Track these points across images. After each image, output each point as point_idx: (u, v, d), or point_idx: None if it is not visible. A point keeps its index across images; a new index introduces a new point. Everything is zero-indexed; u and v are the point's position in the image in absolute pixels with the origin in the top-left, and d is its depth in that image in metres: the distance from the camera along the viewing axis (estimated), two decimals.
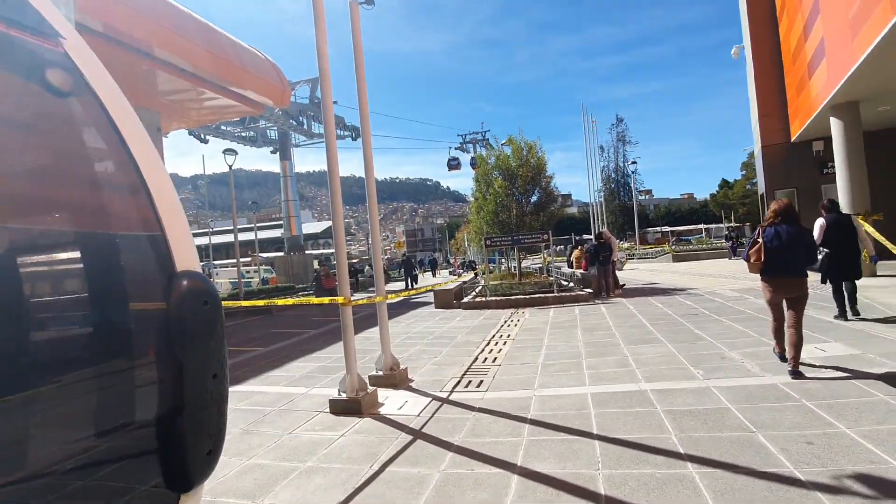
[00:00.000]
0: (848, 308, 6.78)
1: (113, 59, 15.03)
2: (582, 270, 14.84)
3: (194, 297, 1.30)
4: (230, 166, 17.52)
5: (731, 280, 13.44)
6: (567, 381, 5.11)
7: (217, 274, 30.10)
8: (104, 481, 1.15)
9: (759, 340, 5.98)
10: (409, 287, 22.00)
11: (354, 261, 41.54)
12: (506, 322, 9.41)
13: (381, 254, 6.05)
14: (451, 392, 5.11)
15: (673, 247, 30.89)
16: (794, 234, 4.69)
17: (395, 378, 5.51)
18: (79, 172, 1.22)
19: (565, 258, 25.48)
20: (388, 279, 30.14)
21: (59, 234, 1.15)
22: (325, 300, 5.61)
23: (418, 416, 4.44)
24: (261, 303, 5.94)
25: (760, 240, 4.84)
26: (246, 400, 5.46)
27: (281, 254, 32.24)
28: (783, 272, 4.73)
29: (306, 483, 3.27)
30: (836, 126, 11.09)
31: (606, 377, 5.08)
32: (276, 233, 42.38)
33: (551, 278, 13.43)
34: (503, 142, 15.67)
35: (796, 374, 4.42)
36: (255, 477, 3.45)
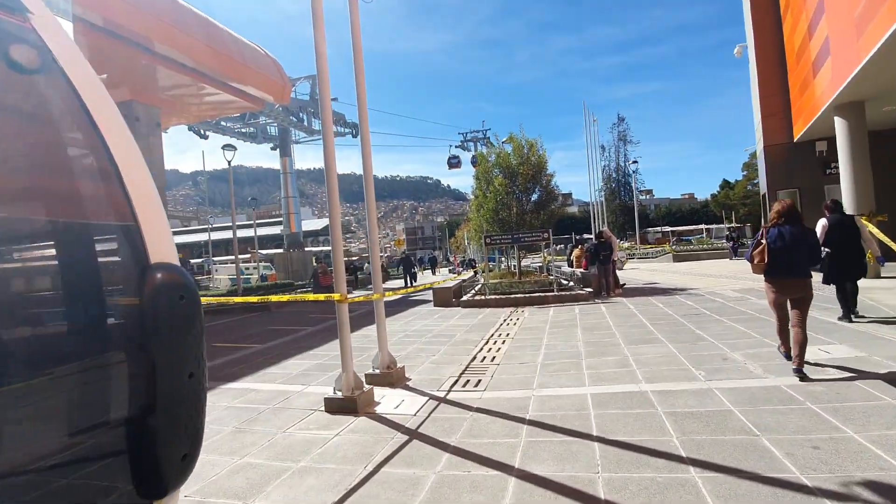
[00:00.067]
0: (847, 314, 6.73)
1: (113, 54, 14.93)
2: (582, 269, 14.76)
3: (169, 291, 1.22)
4: (229, 162, 17.42)
5: (733, 280, 13.36)
6: (566, 381, 5.02)
7: (216, 270, 30.06)
8: (68, 489, 1.07)
9: (762, 342, 5.89)
10: (408, 285, 21.92)
11: (354, 258, 41.43)
12: (505, 321, 9.33)
13: (379, 251, 5.96)
14: (449, 391, 5.03)
15: (673, 247, 30.78)
16: (797, 234, 4.66)
17: (391, 376, 5.43)
18: (43, 155, 1.14)
19: (565, 257, 25.42)
20: (388, 277, 30.08)
21: (19, 223, 1.07)
22: (322, 297, 5.53)
23: (415, 415, 4.36)
24: (254, 299, 5.87)
25: (764, 241, 4.79)
26: (240, 398, 5.38)
27: (280, 251, 32.19)
28: (787, 273, 4.70)
29: (299, 483, 3.19)
30: (840, 126, 10.98)
31: (606, 377, 5.00)
32: (276, 230, 42.29)
33: (551, 277, 13.34)
34: (504, 140, 15.57)
35: (800, 373, 4.37)
36: (247, 476, 3.37)
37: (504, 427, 3.89)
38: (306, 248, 32.05)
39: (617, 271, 13.34)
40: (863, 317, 6.75)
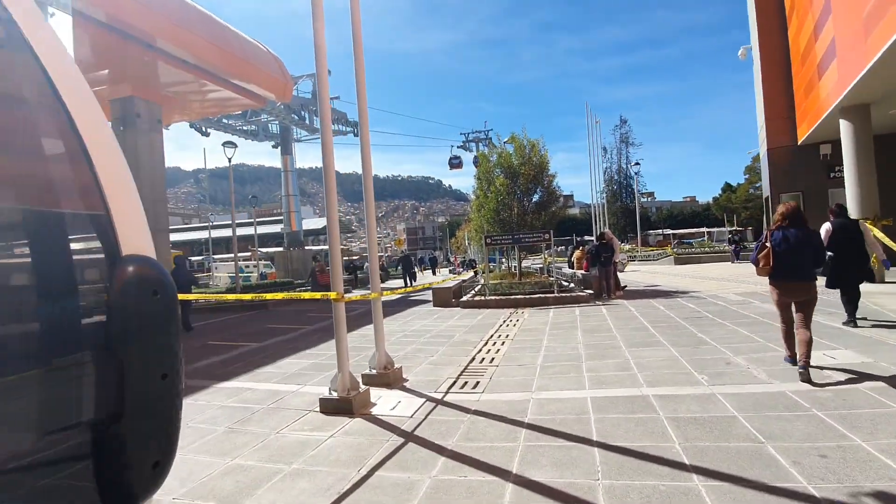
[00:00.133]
0: (852, 318, 6.66)
1: (114, 50, 14.86)
2: (583, 271, 14.68)
3: (141, 287, 1.13)
4: (229, 159, 17.36)
5: (735, 284, 13.26)
6: (566, 384, 4.93)
7: (216, 268, 29.96)
8: (27, 500, 0.98)
9: (766, 346, 5.80)
10: (408, 285, 21.84)
11: (355, 258, 41.37)
12: (505, 322, 9.24)
13: (377, 250, 5.87)
14: (447, 393, 4.94)
15: (675, 249, 30.67)
16: (801, 237, 4.66)
17: (388, 377, 5.34)
18: (2, 134, 1.05)
19: (566, 259, 25.34)
20: (388, 277, 29.98)
21: None
22: (318, 295, 5.44)
23: (411, 417, 4.27)
24: (248, 296, 5.77)
25: (769, 245, 4.79)
26: (235, 397, 5.29)
27: (280, 249, 32.11)
28: (791, 275, 4.69)
29: (290, 487, 3.10)
30: (845, 129, 10.88)
31: (607, 381, 4.91)
32: (277, 228, 42.23)
33: (552, 278, 13.25)
34: (506, 140, 15.48)
35: (805, 370, 4.34)
36: (237, 479, 3.28)
37: (502, 430, 3.80)
38: (307, 247, 31.96)
39: (618, 273, 13.25)
40: (864, 320, 6.68)
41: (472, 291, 13.66)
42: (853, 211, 10.27)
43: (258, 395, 5.27)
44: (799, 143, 15.91)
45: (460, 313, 11.01)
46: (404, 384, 5.36)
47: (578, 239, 33.76)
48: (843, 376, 4.43)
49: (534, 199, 14.33)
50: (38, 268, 1.06)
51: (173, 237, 48.24)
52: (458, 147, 38.92)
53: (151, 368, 1.14)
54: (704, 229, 55.28)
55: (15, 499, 0.94)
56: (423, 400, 4.73)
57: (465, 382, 5.27)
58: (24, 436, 0.99)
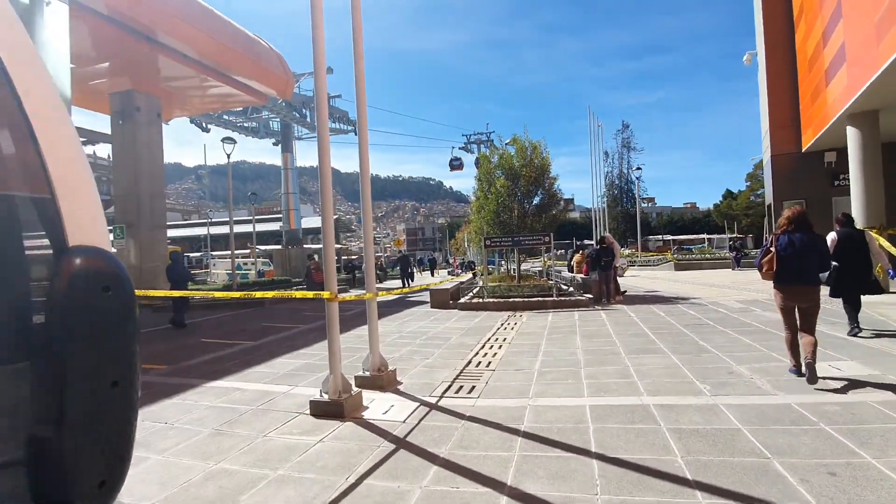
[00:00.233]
0: (857, 326, 6.57)
1: (114, 42, 14.75)
2: (583, 275, 14.55)
3: (90, 281, 0.99)
4: (228, 155, 17.23)
5: (736, 291, 13.13)
6: (564, 390, 4.80)
7: (214, 265, 29.84)
8: None
9: (769, 355, 5.67)
10: (405, 285, 21.70)
11: (354, 257, 41.25)
12: (502, 325, 9.11)
13: (373, 250, 5.74)
14: (441, 397, 4.80)
15: (675, 255, 30.53)
16: (807, 241, 4.62)
17: (382, 380, 5.20)
18: None
19: (566, 262, 25.20)
20: (386, 277, 29.84)
21: None
22: (311, 294, 5.30)
23: (404, 422, 4.14)
24: (238, 294, 5.63)
25: (773, 249, 4.74)
26: (224, 397, 5.16)
27: (279, 247, 31.99)
28: (796, 279, 4.66)
29: (274, 494, 2.97)
30: (852, 136, 10.74)
31: (606, 388, 4.77)
32: (277, 226, 42.10)
33: (551, 282, 13.12)
34: (507, 141, 15.37)
35: (811, 369, 4.32)
36: (220, 484, 3.14)
37: (497, 438, 3.67)
38: (305, 246, 31.82)
39: (618, 278, 13.12)
40: (864, 329, 6.58)
41: (471, 293, 13.52)
42: (859, 220, 10.13)
43: (248, 396, 5.13)
44: (803, 151, 15.79)
45: (458, 315, 10.88)
46: (398, 387, 5.22)
47: (578, 243, 33.63)
48: (849, 388, 4.29)
49: (534, 202, 14.21)
50: None
51: (173, 233, 48.07)
52: (459, 148, 38.83)
53: (99, 375, 1.00)
54: (705, 236, 55.23)
55: None
56: (417, 404, 4.60)
57: (461, 387, 5.14)
58: None
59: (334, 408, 4.33)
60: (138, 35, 15.00)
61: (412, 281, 23.74)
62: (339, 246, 46.70)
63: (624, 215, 64.63)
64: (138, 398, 1.12)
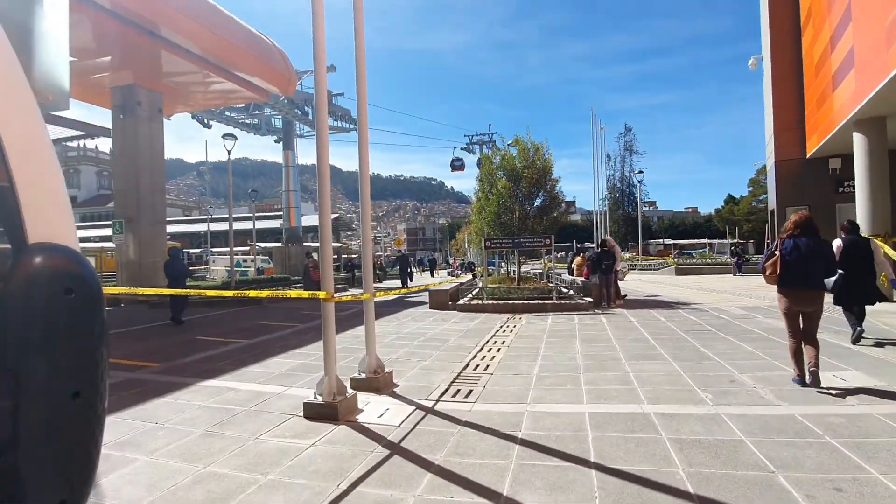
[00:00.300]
0: (861, 332, 6.54)
1: (115, 36, 14.67)
2: (583, 278, 14.46)
3: (52, 283, 0.91)
4: (229, 151, 17.15)
5: (737, 297, 13.04)
6: (563, 396, 4.71)
7: (214, 262, 29.77)
8: None
9: (771, 364, 5.58)
10: (405, 285, 21.62)
11: (354, 256, 41.17)
12: (501, 327, 9.02)
13: (371, 249, 5.66)
14: (438, 401, 4.72)
15: (676, 259, 30.42)
16: (812, 246, 4.60)
17: (378, 382, 5.12)
18: None
19: (566, 265, 25.12)
20: (385, 276, 29.75)
21: None
22: (306, 294, 5.22)
23: (399, 426, 4.05)
24: (230, 293, 5.55)
25: (778, 252, 4.71)
26: (217, 396, 5.07)
27: (279, 244, 31.91)
28: (801, 284, 4.62)
29: (264, 501, 2.88)
30: (859, 142, 10.61)
31: (606, 395, 4.69)
32: (277, 223, 42.04)
33: (551, 284, 13.03)
34: (510, 142, 15.28)
35: (815, 376, 4.40)
36: (208, 489, 3.06)
37: (494, 446, 3.58)
38: (305, 244, 31.74)
39: (618, 282, 13.03)
40: (865, 338, 6.52)
41: (470, 295, 13.44)
42: (865, 227, 10.04)
43: (241, 396, 5.05)
44: (808, 156, 15.69)
45: (456, 317, 10.79)
46: (394, 389, 5.14)
47: (579, 245, 33.57)
48: (854, 400, 4.21)
49: (536, 204, 14.12)
50: None
51: (173, 229, 48.04)
52: (461, 149, 38.71)
53: (59, 384, 0.92)
54: (706, 240, 55.03)
55: None
56: (413, 408, 4.51)
57: (458, 390, 5.05)
58: None
59: (328, 410, 4.24)
60: (141, 29, 14.92)
61: (411, 281, 23.66)
62: (339, 244, 46.65)
63: (625, 218, 64.50)
64: (104, 409, 1.03)
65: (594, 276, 12.30)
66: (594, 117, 30.47)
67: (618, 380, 5.20)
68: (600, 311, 10.86)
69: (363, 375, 5.15)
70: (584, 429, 3.81)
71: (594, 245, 24.93)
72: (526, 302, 11.63)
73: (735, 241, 43.77)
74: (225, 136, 17.41)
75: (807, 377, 4.59)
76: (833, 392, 4.41)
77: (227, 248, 19.66)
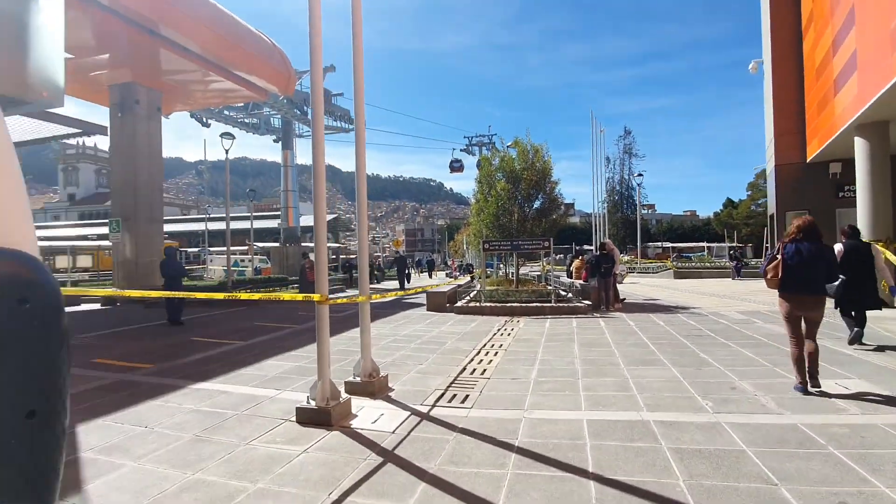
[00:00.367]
0: (859, 334, 6.57)
1: (114, 33, 14.59)
2: (582, 281, 14.38)
3: (1, 291, 0.83)
4: (226, 151, 17.05)
5: (737, 301, 12.97)
6: (561, 402, 4.63)
7: (211, 261, 29.64)
8: None
9: (772, 371, 5.50)
10: (402, 286, 21.54)
11: (352, 256, 41.06)
12: (499, 330, 8.94)
13: (367, 250, 5.57)
14: (433, 406, 4.64)
15: (675, 263, 30.37)
16: (815, 251, 4.59)
17: (373, 386, 5.03)
18: None
19: (565, 267, 25.03)
20: (384, 277, 29.66)
21: None
22: (300, 297, 5.14)
23: (393, 432, 3.97)
24: (220, 295, 5.46)
25: (779, 256, 4.70)
26: (208, 400, 4.98)
27: (277, 244, 31.81)
28: (803, 289, 4.60)
29: None
30: (861, 147, 10.55)
31: (604, 401, 4.61)
32: (276, 223, 41.94)
33: (549, 287, 12.96)
34: (509, 144, 15.21)
35: (815, 380, 4.46)
36: (196, 497, 2.97)
37: (490, 454, 3.50)
38: (304, 244, 31.65)
39: (617, 285, 12.96)
40: (866, 345, 6.47)
41: (468, 297, 13.36)
42: (866, 232, 9.98)
43: (233, 400, 4.96)
44: (808, 161, 15.64)
45: (454, 319, 10.71)
46: (389, 394, 5.05)
47: (578, 248, 33.50)
48: (857, 409, 4.13)
49: (535, 206, 14.04)
50: None
51: (171, 228, 47.88)
52: (461, 150, 38.70)
53: (10, 403, 0.83)
54: (704, 244, 55.03)
55: None
56: (408, 413, 4.43)
57: (454, 395, 4.97)
58: None
59: (321, 415, 4.16)
60: (140, 27, 14.84)
61: (409, 282, 23.59)
62: (339, 245, 46.52)
63: (624, 221, 64.42)
64: (65, 428, 0.95)
65: (593, 279, 12.23)
66: (594, 120, 30.46)
67: (616, 386, 5.12)
68: (599, 315, 10.79)
69: (358, 379, 5.06)
70: (583, 437, 3.73)
71: (593, 248, 24.88)
72: (524, 305, 11.55)
73: (733, 244, 43.72)
74: (223, 135, 17.32)
75: (809, 386, 4.55)
76: (836, 401, 4.34)
77: (225, 248, 19.57)
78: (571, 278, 17.82)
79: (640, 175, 38.16)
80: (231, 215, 18.82)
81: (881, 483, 2.84)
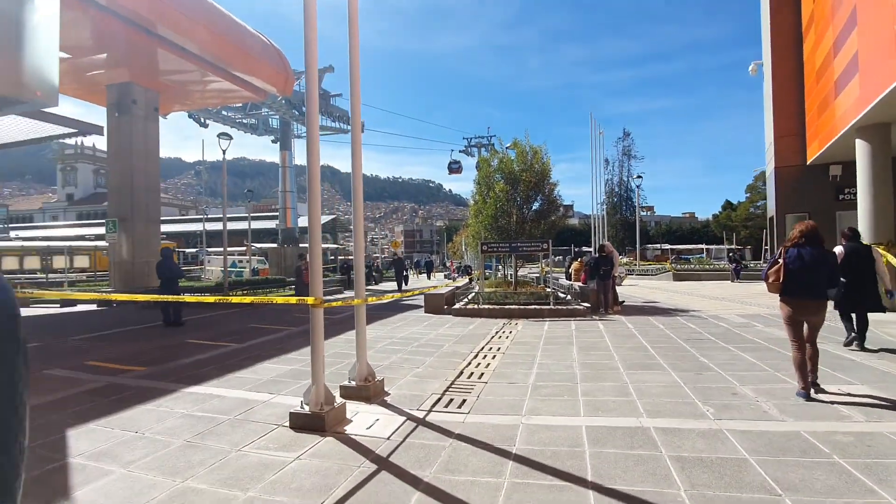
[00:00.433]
0: (855, 338, 6.59)
1: (111, 33, 14.50)
2: (581, 283, 14.30)
3: None
4: (224, 151, 16.96)
5: (737, 304, 12.91)
6: (559, 408, 4.55)
7: (209, 261, 29.52)
8: None
9: (774, 376, 5.43)
10: (400, 288, 21.46)
11: (351, 257, 40.97)
12: (497, 333, 8.86)
13: (363, 253, 5.49)
14: (430, 411, 4.56)
15: (674, 265, 30.31)
16: (817, 255, 4.56)
17: (368, 390, 4.95)
18: None
19: (564, 269, 24.96)
20: (382, 278, 29.56)
21: None
22: (293, 300, 5.05)
23: (388, 439, 3.88)
24: (211, 299, 5.37)
25: (781, 260, 4.66)
26: (201, 404, 4.89)
27: (275, 245, 31.71)
28: (805, 293, 4.57)
29: None
30: (862, 149, 10.48)
31: (604, 407, 4.53)
32: (274, 224, 41.83)
33: (548, 289, 12.88)
34: (508, 145, 15.14)
35: (816, 385, 4.51)
36: None
37: (486, 461, 3.42)
38: (301, 244, 31.55)
39: (616, 287, 12.88)
40: (868, 350, 6.42)
41: (466, 299, 13.27)
42: (867, 235, 9.91)
43: (227, 404, 4.87)
44: (808, 163, 15.58)
45: (451, 321, 10.62)
46: (385, 398, 4.97)
47: (577, 250, 33.46)
48: (862, 416, 4.06)
49: (534, 207, 13.96)
50: None
51: (169, 228, 47.75)
52: (460, 151, 38.69)
53: None
54: (703, 246, 55.07)
55: None
56: (404, 419, 4.35)
57: (451, 400, 4.89)
58: None
59: (315, 421, 4.08)
60: (137, 27, 14.75)
61: (406, 284, 23.52)
62: (337, 246, 46.41)
63: (623, 223, 64.38)
64: (23, 455, 0.86)
65: (592, 281, 12.15)
66: (593, 121, 30.38)
67: (616, 391, 5.04)
68: (598, 318, 10.71)
69: (353, 383, 4.98)
70: (581, 444, 3.65)
71: (592, 250, 24.80)
72: (522, 307, 11.47)
73: (732, 246, 43.71)
74: (220, 135, 17.23)
75: (812, 392, 4.50)
76: (839, 407, 4.27)
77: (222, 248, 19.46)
78: (570, 280, 17.75)
79: (639, 177, 38.10)
80: (229, 216, 18.73)
81: (888, 494, 2.77)
